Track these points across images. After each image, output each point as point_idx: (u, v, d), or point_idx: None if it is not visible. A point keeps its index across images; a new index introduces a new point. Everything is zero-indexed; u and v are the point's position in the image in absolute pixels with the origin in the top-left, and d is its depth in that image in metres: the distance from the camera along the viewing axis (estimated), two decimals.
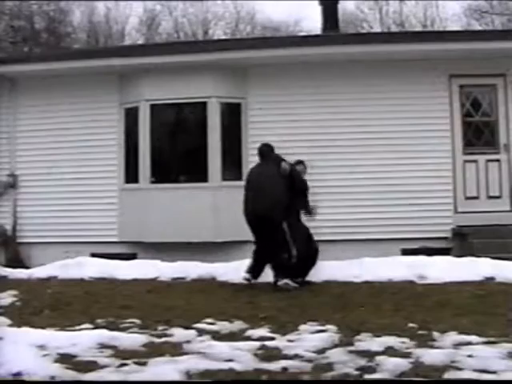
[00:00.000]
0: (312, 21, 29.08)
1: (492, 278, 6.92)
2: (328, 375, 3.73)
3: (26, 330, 4.68)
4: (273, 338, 4.64)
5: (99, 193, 9.69)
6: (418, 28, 29.12)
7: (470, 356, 3.98)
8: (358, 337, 4.57)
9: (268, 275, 7.57)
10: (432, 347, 4.27)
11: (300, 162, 7.79)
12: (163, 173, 9.60)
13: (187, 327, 4.99)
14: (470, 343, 4.32)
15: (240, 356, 4.09)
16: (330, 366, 3.88)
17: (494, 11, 26.51)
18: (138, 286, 7.30)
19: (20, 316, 5.59)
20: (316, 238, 9.13)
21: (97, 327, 5.01)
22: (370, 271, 7.31)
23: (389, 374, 3.71)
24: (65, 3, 26.78)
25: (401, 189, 9.21)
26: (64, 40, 26.49)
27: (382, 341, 4.42)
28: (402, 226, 9.20)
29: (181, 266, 7.83)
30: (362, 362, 3.95)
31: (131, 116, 9.73)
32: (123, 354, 4.16)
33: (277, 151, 9.38)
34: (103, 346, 4.33)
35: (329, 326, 4.94)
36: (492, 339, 4.36)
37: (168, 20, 32.47)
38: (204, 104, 9.47)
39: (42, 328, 4.86)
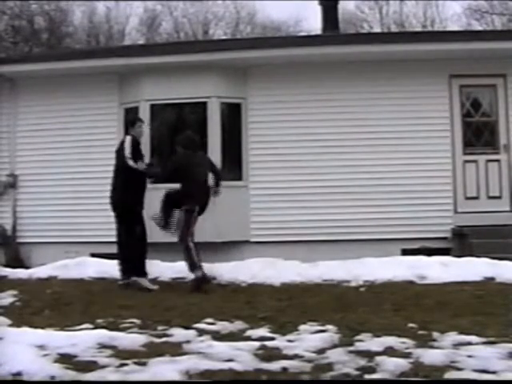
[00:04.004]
0: (312, 21, 29.20)
1: (492, 278, 6.92)
2: (328, 375, 3.73)
3: (25, 330, 4.68)
4: (273, 338, 4.64)
5: (99, 193, 9.63)
6: (418, 28, 29.14)
7: (469, 356, 3.98)
8: (358, 337, 4.57)
9: (267, 276, 7.59)
10: (432, 347, 4.27)
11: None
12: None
13: (187, 327, 4.99)
14: (469, 343, 4.32)
15: (240, 356, 4.09)
16: (329, 366, 3.88)
17: (493, 11, 26.51)
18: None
19: (20, 316, 5.59)
20: (316, 237, 9.20)
21: (97, 327, 5.01)
22: (370, 271, 7.31)
23: (389, 374, 3.71)
24: (65, 3, 26.80)
25: (401, 189, 9.21)
26: (64, 40, 26.50)
27: (381, 341, 4.42)
28: (402, 226, 9.19)
29: (181, 266, 7.83)
30: (362, 362, 3.95)
31: (131, 116, 9.72)
32: (123, 354, 4.16)
33: (277, 151, 9.45)
34: (103, 346, 4.33)
35: (329, 326, 4.94)
36: (492, 339, 4.36)
37: (168, 20, 32.53)
38: (204, 104, 9.47)
39: (42, 328, 4.86)
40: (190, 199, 7.28)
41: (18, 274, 8.13)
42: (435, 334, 4.60)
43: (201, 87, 9.40)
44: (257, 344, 4.40)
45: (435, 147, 9.30)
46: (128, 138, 7.49)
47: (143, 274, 7.34)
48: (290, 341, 4.56)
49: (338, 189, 9.31)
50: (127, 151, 7.29)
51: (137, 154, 7.42)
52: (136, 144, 7.51)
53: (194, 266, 7.14)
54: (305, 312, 5.62)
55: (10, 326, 5.08)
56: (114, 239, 9.70)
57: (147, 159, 9.39)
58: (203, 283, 7.07)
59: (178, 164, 7.47)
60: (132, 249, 7.31)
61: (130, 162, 7.26)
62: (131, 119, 8.17)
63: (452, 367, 3.79)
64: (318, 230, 9.21)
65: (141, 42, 29.39)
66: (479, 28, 25.97)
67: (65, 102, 9.96)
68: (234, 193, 9.43)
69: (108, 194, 7.73)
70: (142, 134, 7.89)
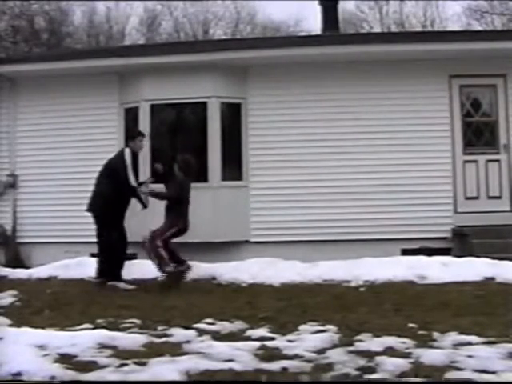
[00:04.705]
0: (312, 21, 29.18)
1: (492, 278, 6.92)
2: (328, 375, 3.73)
3: (25, 330, 4.68)
4: (273, 338, 4.64)
5: None
6: (418, 28, 29.16)
7: (470, 356, 3.97)
8: (358, 337, 4.57)
9: (267, 276, 7.59)
10: (432, 347, 4.27)
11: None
12: (163, 173, 9.58)
13: (187, 327, 4.99)
14: (469, 343, 4.32)
15: (240, 356, 4.08)
16: (329, 366, 3.88)
17: (493, 11, 26.51)
18: (138, 286, 7.31)
19: (20, 316, 5.59)
20: (316, 237, 9.20)
21: (97, 327, 5.01)
22: (370, 271, 7.31)
23: (389, 374, 3.71)
24: (65, 3, 26.82)
25: (401, 189, 9.21)
26: (64, 40, 26.52)
27: (381, 341, 4.41)
28: (402, 226, 9.19)
29: None
30: (362, 362, 3.95)
31: (131, 116, 9.72)
32: (123, 354, 4.15)
33: (276, 151, 9.45)
34: (103, 346, 4.33)
35: (329, 326, 4.94)
36: (492, 339, 4.36)
37: (168, 20, 32.53)
38: (204, 104, 9.46)
39: (42, 328, 4.86)
40: (181, 221, 7.42)
41: (17, 274, 8.14)
42: (435, 334, 4.60)
43: (201, 87, 9.40)
44: (257, 344, 4.39)
45: (435, 147, 9.30)
46: (127, 152, 7.46)
47: (118, 278, 7.32)
48: (290, 341, 4.56)
49: (338, 189, 9.31)
50: (129, 168, 7.30)
51: (133, 168, 7.47)
52: (133, 158, 7.53)
53: (163, 264, 7.16)
54: (305, 312, 5.62)
55: (10, 326, 5.08)
56: None
57: (147, 161, 9.42)
58: (177, 278, 7.07)
59: (181, 190, 7.52)
60: (108, 252, 7.32)
61: (132, 182, 7.29)
62: (132, 133, 8.12)
63: (452, 367, 3.79)
64: (318, 230, 9.21)
65: (141, 42, 29.39)
66: (479, 28, 25.99)
67: (65, 101, 9.96)
68: (234, 193, 9.43)
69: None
70: (141, 148, 7.90)
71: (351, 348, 4.28)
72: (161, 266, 7.18)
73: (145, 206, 7.58)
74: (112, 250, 7.31)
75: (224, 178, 9.42)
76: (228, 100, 9.58)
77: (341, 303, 6.03)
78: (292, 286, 7.21)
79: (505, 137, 9.44)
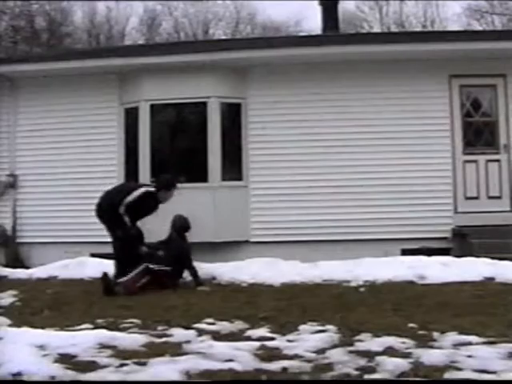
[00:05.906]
0: (312, 21, 29.18)
1: (492, 278, 6.92)
2: (328, 375, 3.73)
3: (25, 330, 4.68)
4: (273, 338, 4.64)
5: (99, 193, 9.66)
6: (418, 28, 29.18)
7: (470, 356, 3.97)
8: (358, 337, 4.57)
9: (267, 276, 7.59)
10: (432, 347, 4.27)
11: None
12: (163, 173, 9.58)
13: (187, 327, 4.99)
14: (469, 343, 4.31)
15: (240, 356, 4.08)
16: (329, 366, 3.88)
17: (494, 11, 26.53)
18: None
19: (20, 316, 5.60)
20: (316, 237, 9.21)
21: (97, 327, 5.01)
22: (370, 271, 7.31)
23: (389, 374, 3.71)
24: (66, 3, 26.84)
25: (401, 189, 9.21)
26: (65, 40, 26.53)
27: (381, 341, 4.41)
28: (402, 226, 9.20)
29: None
30: (362, 362, 3.95)
31: (131, 116, 9.72)
32: (123, 354, 4.15)
33: (276, 151, 9.46)
34: (103, 346, 4.33)
35: (329, 326, 4.94)
36: (492, 339, 4.36)
37: (168, 20, 32.58)
38: (204, 104, 9.47)
39: (42, 328, 4.86)
40: None
41: (17, 274, 8.14)
42: (435, 334, 4.59)
43: (201, 87, 9.41)
44: (257, 344, 4.39)
45: (435, 147, 9.30)
46: (139, 194, 7.03)
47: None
48: (289, 341, 4.56)
49: (338, 189, 9.31)
50: (125, 216, 6.95)
51: (139, 211, 7.08)
52: (155, 203, 7.17)
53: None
54: (305, 312, 5.61)
55: (10, 325, 5.08)
56: None
57: (147, 162, 9.41)
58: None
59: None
60: (117, 251, 7.24)
61: (122, 210, 6.97)
62: (168, 181, 7.43)
63: (452, 367, 3.79)
64: (318, 230, 9.21)
65: (141, 42, 29.41)
66: (479, 28, 26.01)
67: (65, 102, 9.97)
68: (234, 193, 9.44)
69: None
70: (166, 201, 7.34)
71: (351, 348, 4.28)
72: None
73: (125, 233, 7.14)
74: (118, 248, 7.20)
75: (224, 178, 9.42)
76: (228, 100, 9.58)
77: (341, 303, 6.03)
78: (292, 286, 7.20)
79: (505, 137, 9.44)
